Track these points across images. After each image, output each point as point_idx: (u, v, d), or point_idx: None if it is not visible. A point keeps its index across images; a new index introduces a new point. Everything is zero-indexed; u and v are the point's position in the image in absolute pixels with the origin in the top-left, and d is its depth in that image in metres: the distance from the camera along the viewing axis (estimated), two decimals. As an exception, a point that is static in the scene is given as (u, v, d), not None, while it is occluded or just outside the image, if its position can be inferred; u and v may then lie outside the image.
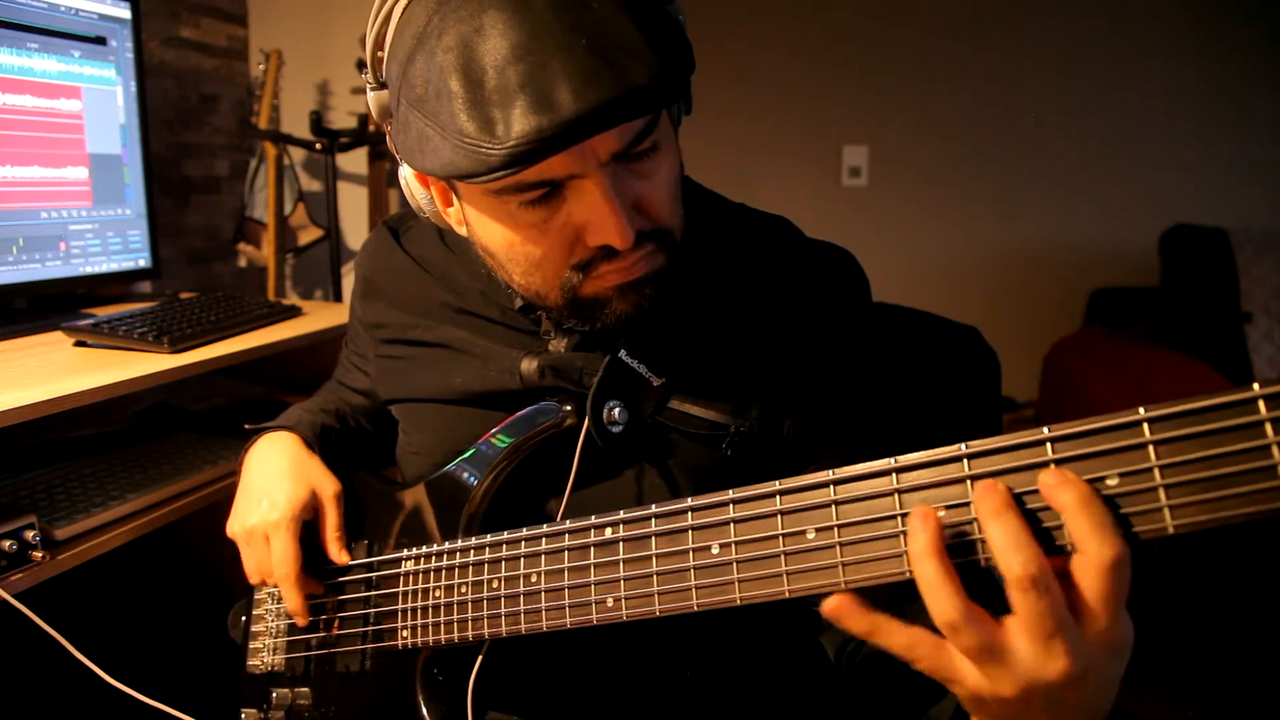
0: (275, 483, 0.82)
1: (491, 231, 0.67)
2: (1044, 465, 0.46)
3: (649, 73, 0.55)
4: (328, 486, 0.83)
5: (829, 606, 0.50)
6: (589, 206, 0.62)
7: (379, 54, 0.66)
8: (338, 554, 0.81)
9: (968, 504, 0.48)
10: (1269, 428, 0.40)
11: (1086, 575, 0.44)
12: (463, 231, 0.73)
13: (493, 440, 0.76)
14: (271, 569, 0.80)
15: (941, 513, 0.48)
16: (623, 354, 0.72)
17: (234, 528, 0.83)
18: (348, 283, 2.13)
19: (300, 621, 0.82)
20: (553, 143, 0.55)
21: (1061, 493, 0.44)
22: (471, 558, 0.72)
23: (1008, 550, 0.45)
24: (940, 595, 0.46)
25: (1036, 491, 0.46)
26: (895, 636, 0.50)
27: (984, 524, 0.46)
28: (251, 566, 0.83)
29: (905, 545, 0.50)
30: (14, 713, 1.30)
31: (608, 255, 0.64)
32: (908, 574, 0.50)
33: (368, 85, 0.70)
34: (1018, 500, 0.46)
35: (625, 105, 0.55)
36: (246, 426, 0.92)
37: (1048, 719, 0.48)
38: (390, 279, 0.88)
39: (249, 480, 0.85)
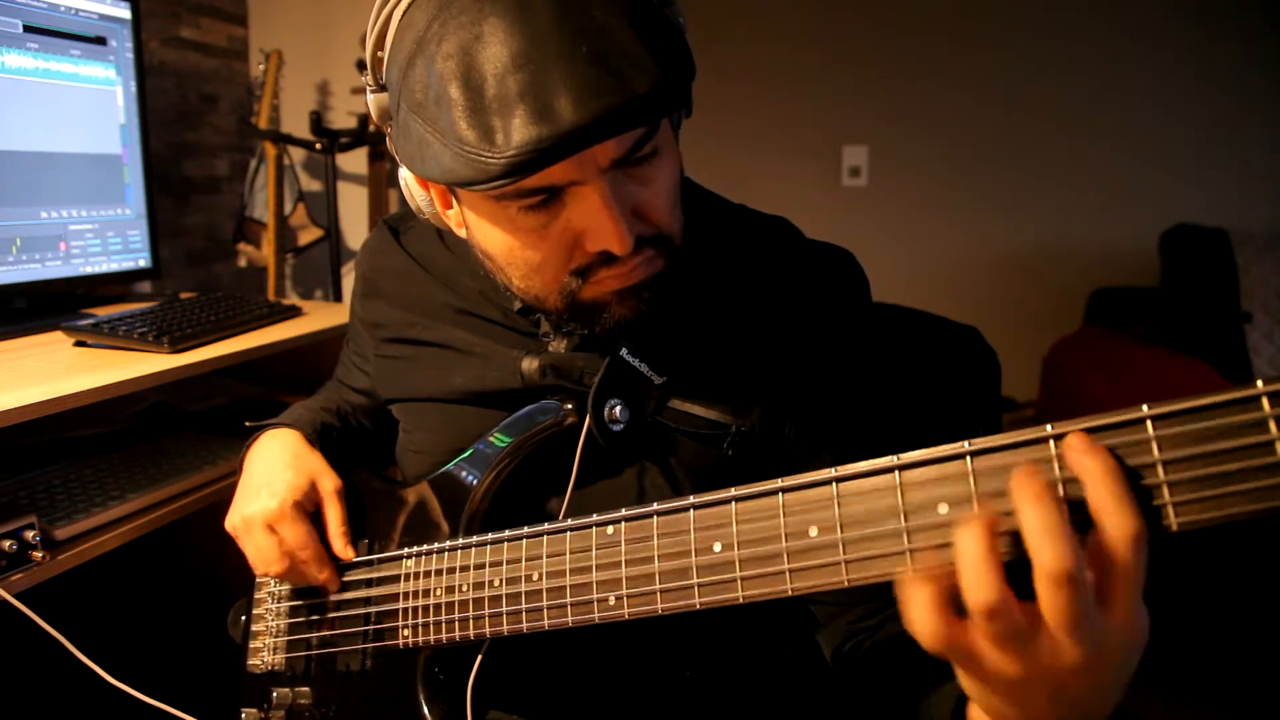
0: (275, 474, 0.82)
1: (491, 236, 0.67)
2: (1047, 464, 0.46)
3: (650, 81, 0.55)
4: (328, 481, 0.83)
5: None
6: (588, 212, 0.61)
7: (379, 54, 0.66)
8: (343, 549, 0.81)
9: (970, 501, 0.48)
10: (1273, 424, 0.40)
11: (1110, 550, 0.42)
12: (462, 234, 0.74)
13: (493, 439, 0.75)
14: (273, 558, 0.79)
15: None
16: (624, 352, 0.72)
17: (233, 519, 0.83)
18: (348, 283, 2.13)
19: (333, 588, 0.82)
20: (552, 153, 0.54)
21: (1087, 458, 0.43)
22: (472, 557, 0.72)
23: (1043, 539, 0.42)
24: (981, 575, 0.43)
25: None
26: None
27: (1020, 509, 0.43)
28: (254, 557, 0.82)
29: (908, 542, 0.49)
30: (14, 713, 1.30)
31: (607, 261, 0.64)
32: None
33: (368, 88, 0.70)
34: None
35: (626, 114, 0.55)
36: (247, 424, 0.92)
37: (1050, 707, 0.47)
38: (390, 278, 0.88)
39: (249, 474, 0.85)
